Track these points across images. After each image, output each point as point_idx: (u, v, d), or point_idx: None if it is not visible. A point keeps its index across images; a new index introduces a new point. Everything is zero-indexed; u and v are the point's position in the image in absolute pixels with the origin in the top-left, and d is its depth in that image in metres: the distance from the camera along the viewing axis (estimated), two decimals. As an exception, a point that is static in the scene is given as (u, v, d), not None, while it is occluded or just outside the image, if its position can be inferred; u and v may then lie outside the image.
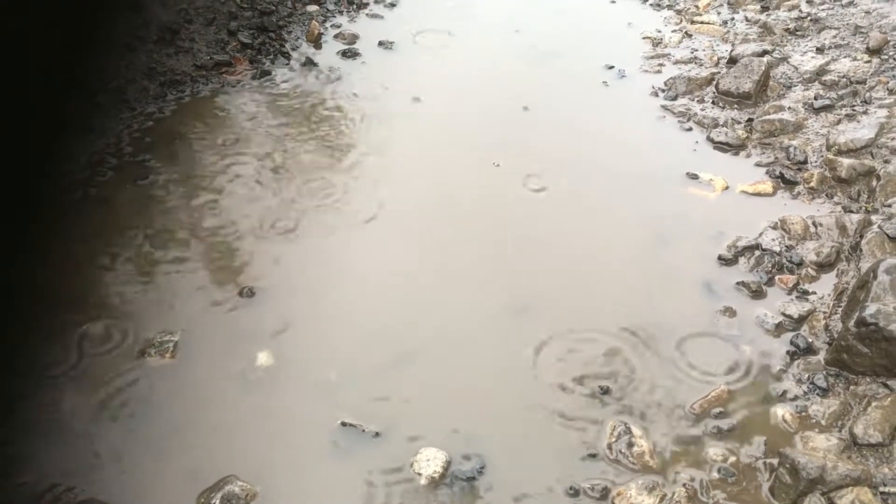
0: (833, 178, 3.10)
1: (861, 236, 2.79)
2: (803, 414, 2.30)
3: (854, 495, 2.02)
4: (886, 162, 3.07)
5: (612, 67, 3.85)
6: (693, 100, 3.63)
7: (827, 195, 3.06)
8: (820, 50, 3.81)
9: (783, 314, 2.60)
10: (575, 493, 2.11)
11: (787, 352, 2.48)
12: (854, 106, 3.42)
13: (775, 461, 2.15)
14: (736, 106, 3.56)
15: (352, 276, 2.75)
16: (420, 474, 2.15)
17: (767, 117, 3.43)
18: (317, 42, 4.00)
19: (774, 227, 2.92)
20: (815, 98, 3.49)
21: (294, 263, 2.78)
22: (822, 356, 2.45)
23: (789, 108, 3.48)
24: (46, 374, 2.40)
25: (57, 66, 3.24)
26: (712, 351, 2.50)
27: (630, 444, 2.21)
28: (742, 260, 2.80)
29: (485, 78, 3.80)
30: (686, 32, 4.11)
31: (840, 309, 2.56)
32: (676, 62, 3.89)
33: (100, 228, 2.89)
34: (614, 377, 2.41)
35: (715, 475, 2.15)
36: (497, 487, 2.14)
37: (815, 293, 2.67)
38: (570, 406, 2.33)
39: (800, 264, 2.76)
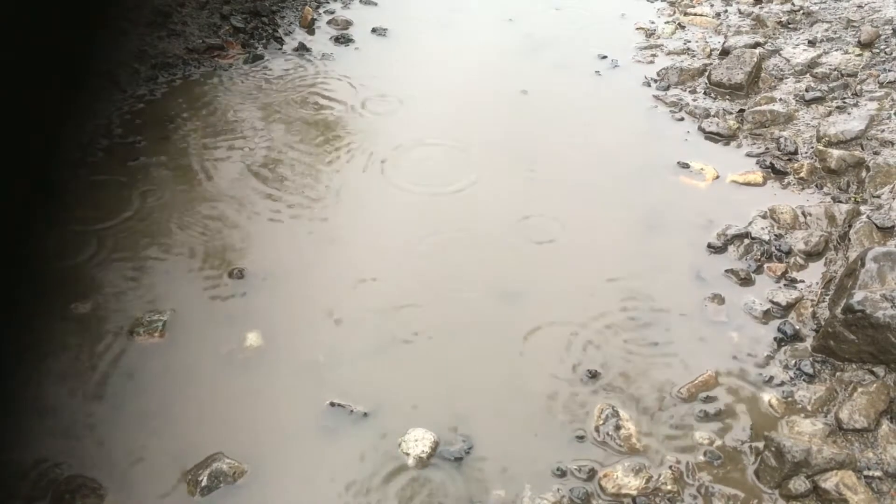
0: (823, 169, 3.11)
1: (850, 226, 2.81)
2: (789, 399, 2.31)
3: (838, 478, 2.04)
4: (876, 153, 3.10)
5: (605, 57, 3.86)
6: (685, 90, 3.64)
7: (816, 185, 3.08)
8: (812, 43, 3.82)
9: (771, 301, 2.61)
10: (562, 473, 2.12)
11: (775, 338, 2.49)
12: (845, 98, 3.44)
13: (761, 445, 2.16)
14: (727, 97, 3.57)
15: (341, 258, 2.75)
16: (408, 454, 2.15)
17: (759, 108, 3.44)
18: (310, 27, 3.99)
19: (764, 217, 2.93)
20: (807, 90, 3.51)
21: (283, 245, 2.78)
22: (808, 343, 2.46)
23: (780, 99, 3.49)
24: (34, 352, 2.39)
25: (46, 47, 3.22)
26: (700, 336, 2.51)
27: (617, 427, 2.22)
28: (731, 248, 2.81)
29: (478, 67, 3.80)
30: (679, 24, 4.12)
31: (828, 297, 2.58)
32: (669, 53, 3.90)
33: (90, 209, 2.87)
34: (603, 361, 2.42)
35: (701, 458, 2.16)
36: (485, 468, 2.14)
37: (803, 281, 2.68)
38: (558, 389, 2.34)
39: (788, 253, 2.78)
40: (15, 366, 2.37)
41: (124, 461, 2.13)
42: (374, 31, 3.99)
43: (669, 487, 2.09)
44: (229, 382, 2.34)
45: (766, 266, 2.74)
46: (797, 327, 2.51)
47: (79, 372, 2.35)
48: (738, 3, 4.27)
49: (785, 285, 2.67)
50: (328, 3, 4.18)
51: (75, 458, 2.13)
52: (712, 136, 3.35)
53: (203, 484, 2.06)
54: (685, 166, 3.19)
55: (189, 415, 2.25)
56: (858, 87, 3.48)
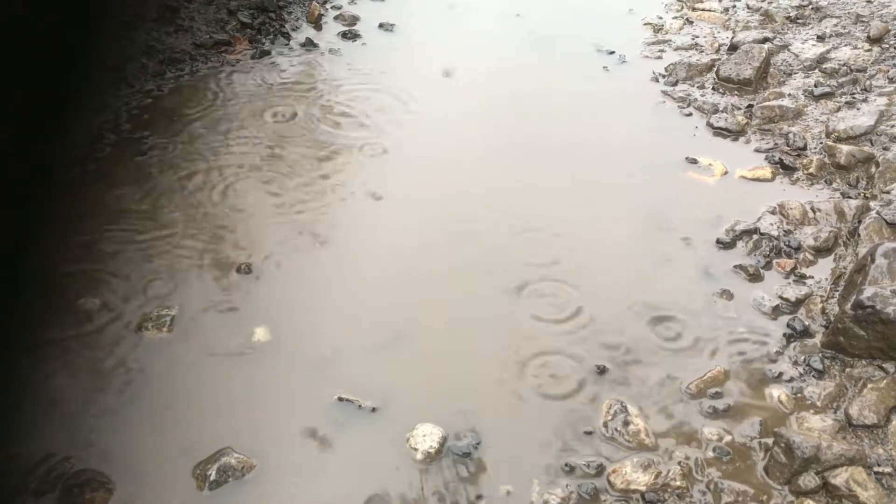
0: (832, 165, 3.10)
1: (859, 222, 2.79)
2: (799, 395, 2.30)
3: (848, 474, 2.03)
4: (885, 149, 3.08)
5: (612, 53, 3.84)
6: (693, 86, 3.62)
7: (826, 181, 3.07)
8: (821, 38, 3.80)
9: (780, 297, 2.60)
10: (570, 469, 2.12)
11: (784, 334, 2.48)
12: (854, 94, 3.42)
13: (770, 441, 2.15)
14: (736, 92, 3.56)
15: (349, 253, 2.75)
16: (416, 449, 2.15)
17: (767, 104, 3.43)
18: (317, 23, 3.99)
19: (773, 212, 2.92)
20: (816, 85, 3.49)
21: (290, 240, 2.78)
22: (818, 339, 2.45)
23: (789, 94, 3.48)
24: (43, 348, 2.40)
25: (55, 42, 3.22)
26: (708, 332, 2.50)
27: (626, 423, 2.21)
28: (740, 244, 2.80)
29: (486, 62, 3.79)
30: (687, 19, 4.10)
31: (837, 293, 2.57)
32: (677, 48, 3.88)
33: (98, 203, 2.88)
34: (611, 357, 2.41)
35: (710, 454, 2.16)
36: (493, 463, 2.14)
37: (812, 277, 2.67)
38: (566, 384, 2.33)
39: (798, 249, 2.76)
40: (23, 361, 2.37)
41: (133, 456, 2.13)
42: (381, 26, 3.98)
43: (678, 483, 2.08)
44: (237, 377, 2.34)
45: (775, 262, 2.73)
46: (806, 323, 2.50)
47: (87, 367, 2.35)
48: (746, -2, 4.25)
49: (794, 281, 2.66)
50: (335, -2, 4.18)
51: (84, 453, 2.13)
52: (721, 132, 3.34)
53: (212, 478, 2.07)
54: (693, 162, 3.18)
55: (198, 409, 2.25)
56: (868, 82, 3.46)
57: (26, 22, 2.94)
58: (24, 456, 2.13)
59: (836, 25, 3.88)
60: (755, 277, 2.67)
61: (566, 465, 2.13)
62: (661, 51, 3.87)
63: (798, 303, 2.58)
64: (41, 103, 3.12)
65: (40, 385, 2.31)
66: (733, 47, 3.77)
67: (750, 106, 3.45)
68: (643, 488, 2.07)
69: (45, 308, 2.53)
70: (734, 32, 3.94)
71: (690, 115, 3.45)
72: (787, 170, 3.13)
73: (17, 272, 2.65)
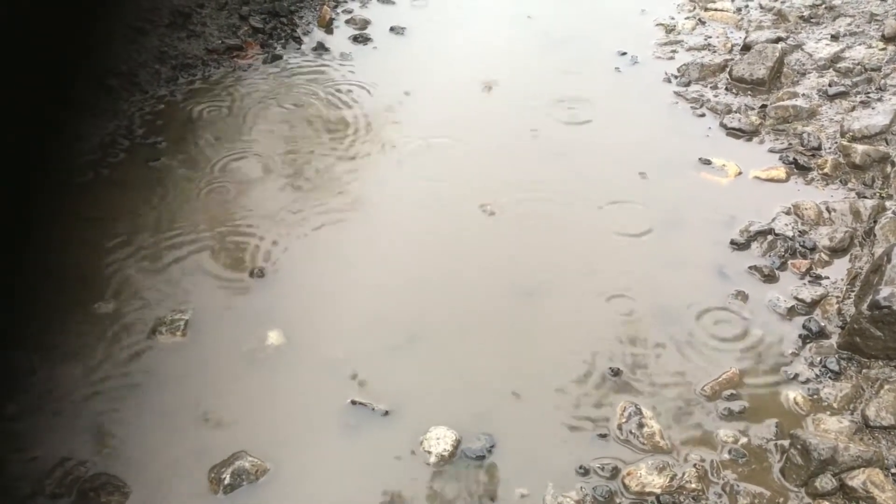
0: (847, 165, 3.08)
1: (875, 221, 2.77)
2: (815, 397, 2.29)
3: (866, 476, 2.01)
4: (901, 148, 3.05)
5: (624, 54, 3.83)
6: (706, 86, 3.61)
7: (841, 181, 3.04)
8: (834, 37, 3.78)
9: (796, 298, 2.58)
10: (585, 472, 2.11)
11: (800, 335, 2.46)
12: (869, 93, 3.40)
13: (786, 443, 2.14)
14: (749, 92, 3.54)
15: (361, 257, 2.75)
16: (430, 453, 2.15)
17: (781, 104, 3.40)
18: (328, 27, 3.99)
19: (787, 213, 2.90)
20: (830, 85, 3.47)
21: (303, 245, 2.78)
22: (834, 340, 2.43)
23: (803, 94, 3.45)
24: (57, 351, 2.41)
25: (69, 48, 3.25)
26: (724, 334, 2.49)
27: (640, 425, 2.20)
28: (755, 245, 2.79)
29: (498, 65, 3.78)
30: (699, 19, 4.08)
31: (853, 293, 2.55)
32: (689, 49, 3.86)
33: (112, 209, 2.90)
34: (625, 359, 2.40)
35: (726, 456, 2.14)
36: (507, 466, 2.14)
37: (827, 278, 2.65)
38: (580, 386, 2.33)
39: (813, 249, 2.74)
40: (39, 365, 2.39)
41: (148, 460, 2.14)
42: (392, 29, 3.98)
43: (694, 486, 2.07)
44: (251, 381, 2.35)
45: (790, 262, 2.71)
46: (822, 324, 2.48)
47: (102, 371, 2.36)
48: (759, -3, 4.23)
49: (809, 282, 2.64)
50: (346, 2, 4.18)
51: (100, 457, 2.15)
52: (734, 132, 3.32)
53: (226, 482, 2.07)
54: (707, 162, 3.16)
55: (212, 413, 2.26)
56: (882, 81, 3.44)
57: (36, 28, 2.97)
58: (40, 459, 2.14)
59: (849, 24, 3.85)
60: (770, 278, 2.66)
61: (580, 467, 2.12)
62: (674, 51, 3.85)
63: (813, 303, 2.56)
64: (55, 109, 3.14)
65: (56, 389, 2.32)
66: (746, 47, 3.75)
67: (763, 106, 3.43)
68: (658, 491, 2.06)
69: (60, 312, 2.54)
70: (747, 32, 3.92)
71: (703, 115, 3.43)
72: (802, 170, 3.10)
73: (32, 276, 2.67)
